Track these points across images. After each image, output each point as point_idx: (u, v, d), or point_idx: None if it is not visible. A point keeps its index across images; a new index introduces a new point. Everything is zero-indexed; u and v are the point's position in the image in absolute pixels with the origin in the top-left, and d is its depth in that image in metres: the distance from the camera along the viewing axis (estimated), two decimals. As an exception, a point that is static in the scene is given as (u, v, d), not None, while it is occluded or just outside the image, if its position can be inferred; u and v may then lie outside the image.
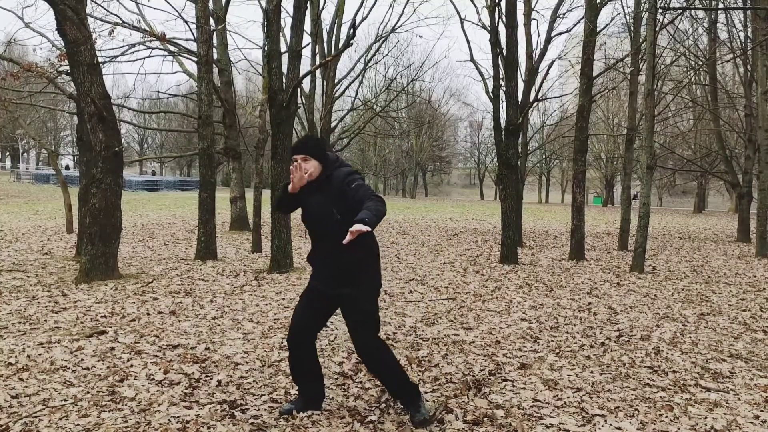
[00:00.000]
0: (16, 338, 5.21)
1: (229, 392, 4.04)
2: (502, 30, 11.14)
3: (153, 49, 15.70)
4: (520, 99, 12.42)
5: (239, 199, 16.31)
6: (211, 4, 14.49)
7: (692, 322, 6.40)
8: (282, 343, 5.17)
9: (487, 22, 11.95)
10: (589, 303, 7.35)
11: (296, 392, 3.83)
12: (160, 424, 3.50)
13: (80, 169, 10.84)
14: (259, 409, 3.74)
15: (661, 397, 4.10)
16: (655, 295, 7.95)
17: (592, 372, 4.61)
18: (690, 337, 5.77)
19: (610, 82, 24.08)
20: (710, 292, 8.33)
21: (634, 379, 4.48)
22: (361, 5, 17.52)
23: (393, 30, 19.85)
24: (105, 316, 6.06)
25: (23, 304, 6.54)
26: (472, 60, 14.08)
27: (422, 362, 4.76)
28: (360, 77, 21.27)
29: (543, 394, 4.09)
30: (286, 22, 13.53)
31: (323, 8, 16.38)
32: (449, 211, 30.44)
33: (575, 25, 19.07)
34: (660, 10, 11.25)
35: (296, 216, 3.70)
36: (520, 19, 13.30)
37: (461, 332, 5.75)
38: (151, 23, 17.09)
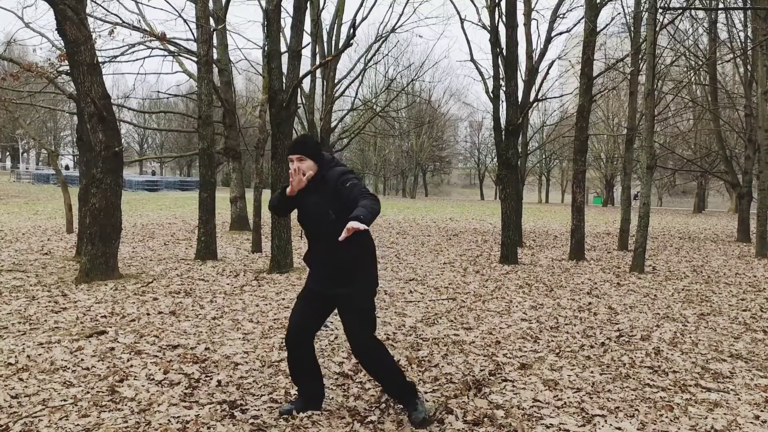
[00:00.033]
0: (16, 338, 5.21)
1: (229, 392, 4.04)
2: (502, 30, 11.14)
3: (153, 49, 15.71)
4: (520, 99, 12.42)
5: (239, 199, 16.31)
6: (211, 4, 14.49)
7: (692, 322, 6.40)
8: (282, 343, 5.17)
9: (487, 22, 11.96)
10: (589, 303, 7.35)
11: (296, 392, 3.83)
12: (160, 424, 3.50)
13: (80, 169, 10.84)
14: (259, 409, 3.74)
15: (661, 397, 4.10)
16: (655, 295, 7.95)
17: (592, 372, 4.61)
18: (690, 337, 5.77)
19: (610, 82, 24.08)
20: (710, 292, 8.33)
21: (634, 379, 4.48)
22: (361, 5, 17.54)
23: (393, 30, 19.87)
24: (105, 316, 6.05)
25: (23, 304, 6.54)
26: (472, 60, 14.08)
27: (422, 362, 4.76)
28: (360, 77, 21.30)
29: (543, 394, 4.09)
30: (286, 22, 13.55)
31: (323, 8, 16.39)
32: (449, 211, 30.44)
33: (575, 25, 19.09)
34: (660, 10, 11.25)
35: (295, 216, 3.71)
36: (520, 19, 13.30)
37: (461, 332, 5.75)
38: (151, 23, 17.10)
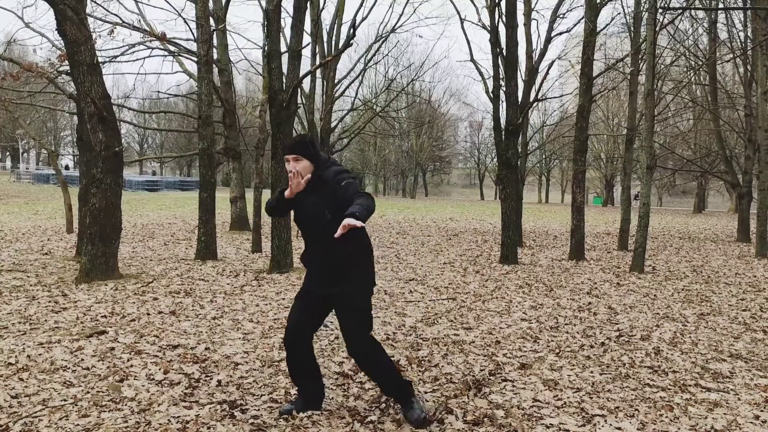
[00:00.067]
0: (16, 338, 5.21)
1: (229, 392, 4.04)
2: (502, 30, 11.14)
3: (153, 49, 15.71)
4: (520, 99, 12.43)
5: (239, 199, 16.31)
6: (211, 4, 14.49)
7: (692, 322, 6.40)
8: (282, 343, 5.17)
9: (487, 22, 11.96)
10: (589, 303, 7.35)
11: (296, 392, 3.83)
12: (160, 424, 3.50)
13: (80, 169, 10.84)
14: (259, 409, 3.74)
15: (661, 397, 4.10)
16: (655, 295, 7.95)
17: (592, 372, 4.61)
18: (690, 337, 5.77)
19: (610, 82, 24.09)
20: (710, 292, 8.33)
21: (634, 379, 4.48)
22: (361, 5, 17.55)
23: (393, 30, 19.88)
24: (105, 316, 6.06)
25: (23, 304, 6.54)
26: (472, 60, 14.08)
27: (422, 362, 4.76)
28: (360, 77, 21.31)
29: (543, 394, 4.09)
30: (286, 22, 13.54)
31: (323, 8, 16.39)
32: (449, 211, 30.44)
33: (575, 25, 19.09)
34: (660, 10, 11.25)
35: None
36: (520, 19, 13.30)
37: (461, 332, 5.75)
38: (151, 23, 17.11)
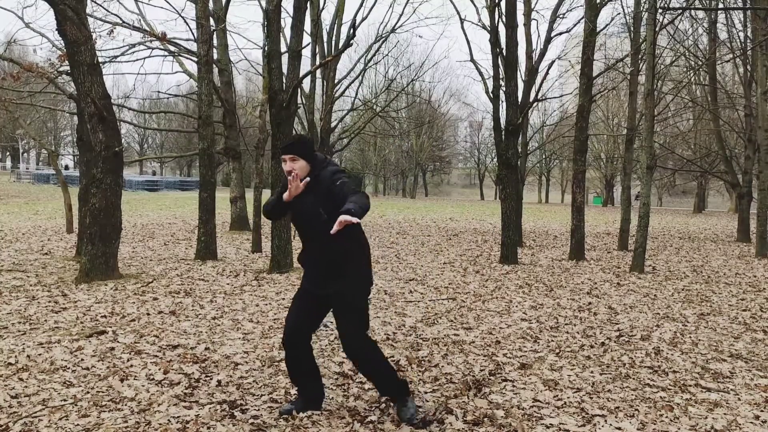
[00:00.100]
0: (16, 338, 5.21)
1: (229, 392, 4.04)
2: (502, 30, 11.14)
3: (153, 49, 15.72)
4: (520, 99, 12.43)
5: (239, 199, 16.31)
6: (211, 4, 14.49)
7: (692, 322, 6.40)
8: (281, 343, 5.17)
9: (487, 22, 11.95)
10: (589, 303, 7.35)
11: (296, 392, 3.83)
12: (160, 424, 3.50)
13: (80, 169, 10.84)
14: (259, 409, 3.74)
15: (661, 397, 4.10)
16: (655, 295, 7.95)
17: (592, 372, 4.61)
18: (690, 337, 5.77)
19: (610, 82, 24.08)
20: (710, 292, 8.33)
21: (634, 379, 4.48)
22: (361, 5, 17.55)
23: (393, 30, 19.87)
24: (105, 316, 6.06)
25: (23, 304, 6.54)
26: (472, 60, 14.07)
27: (422, 362, 4.76)
28: (360, 77, 21.29)
29: (543, 394, 4.09)
30: (286, 22, 13.54)
31: (323, 8, 16.39)
32: (449, 211, 30.44)
33: (575, 25, 19.06)
34: (660, 10, 11.25)
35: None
36: (520, 19, 13.30)
37: (461, 332, 5.75)
38: (151, 23, 17.12)
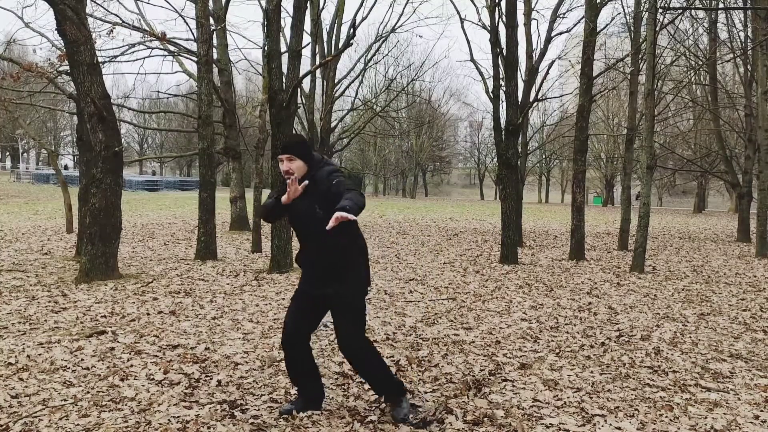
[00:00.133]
0: (16, 338, 5.21)
1: (229, 392, 4.04)
2: (502, 30, 11.14)
3: (153, 48, 15.73)
4: (520, 99, 12.42)
5: (239, 199, 16.31)
6: (211, 4, 14.49)
7: (692, 322, 6.40)
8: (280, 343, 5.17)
9: (487, 22, 11.96)
10: (589, 303, 7.35)
11: (296, 392, 3.83)
12: (160, 424, 3.50)
13: (80, 169, 10.84)
14: (259, 409, 3.74)
15: (661, 397, 4.10)
16: (655, 295, 7.95)
17: (592, 372, 4.61)
18: (690, 337, 5.77)
19: (610, 82, 24.09)
20: (710, 292, 8.33)
21: (634, 379, 4.48)
22: (361, 5, 17.54)
23: (393, 30, 19.86)
24: (105, 316, 6.06)
25: (23, 304, 6.54)
26: (472, 60, 14.07)
27: (422, 362, 4.76)
28: (360, 77, 21.29)
29: (543, 394, 4.09)
30: (286, 22, 13.54)
31: (323, 8, 16.38)
32: (449, 211, 30.44)
33: (575, 25, 19.11)
34: (660, 10, 11.25)
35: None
36: (520, 19, 13.30)
37: (461, 332, 5.75)
38: (150, 23, 17.12)
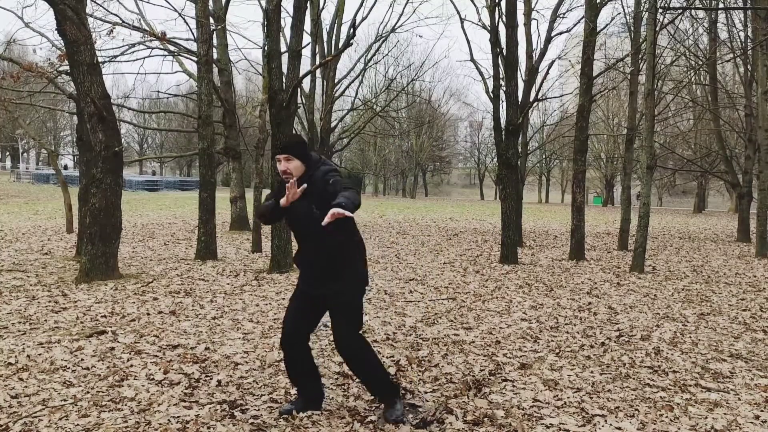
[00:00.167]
0: (16, 338, 5.21)
1: (229, 392, 4.04)
2: (502, 30, 11.14)
3: (153, 48, 15.72)
4: (520, 99, 12.42)
5: (239, 199, 16.31)
6: (211, 4, 14.49)
7: (692, 322, 6.40)
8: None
9: (487, 22, 11.96)
10: (589, 303, 7.35)
11: (296, 392, 3.83)
12: (160, 424, 3.50)
13: (80, 169, 10.84)
14: (259, 409, 3.74)
15: (661, 397, 4.10)
16: (655, 295, 7.95)
17: (592, 372, 4.61)
18: (690, 337, 5.77)
19: (610, 82, 24.09)
20: (710, 292, 8.33)
21: (634, 379, 4.48)
22: (361, 5, 17.55)
23: (393, 30, 19.88)
24: (105, 316, 6.06)
25: (23, 304, 6.54)
26: (472, 60, 14.08)
27: (422, 362, 4.76)
28: (360, 77, 21.32)
29: (543, 394, 4.09)
30: (286, 22, 13.54)
31: (323, 8, 16.39)
32: (449, 211, 30.44)
33: (575, 25, 19.12)
34: (660, 10, 11.25)
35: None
36: (520, 18, 13.30)
37: (461, 332, 5.75)
38: (150, 23, 17.13)
